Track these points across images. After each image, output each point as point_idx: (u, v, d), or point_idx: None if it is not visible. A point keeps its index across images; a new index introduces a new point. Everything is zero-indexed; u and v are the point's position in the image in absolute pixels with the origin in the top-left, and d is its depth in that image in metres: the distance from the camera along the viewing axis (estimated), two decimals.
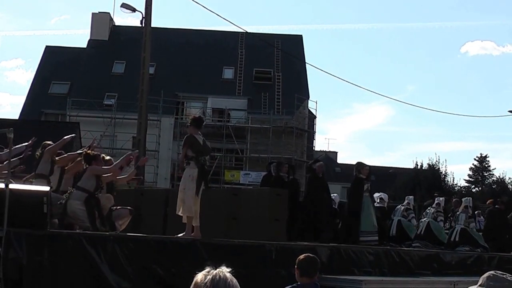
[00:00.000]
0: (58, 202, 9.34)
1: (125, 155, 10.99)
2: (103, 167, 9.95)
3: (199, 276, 2.58)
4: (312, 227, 12.92)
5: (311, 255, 6.23)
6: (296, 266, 6.06)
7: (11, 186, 7.77)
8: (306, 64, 41.88)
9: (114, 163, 10.48)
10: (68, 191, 9.60)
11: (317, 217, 12.99)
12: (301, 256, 6.13)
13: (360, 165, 13.80)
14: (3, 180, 8.09)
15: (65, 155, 10.55)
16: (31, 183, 9.40)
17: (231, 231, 10.77)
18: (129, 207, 10.46)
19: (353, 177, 13.80)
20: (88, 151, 10.10)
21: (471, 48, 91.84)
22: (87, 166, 9.76)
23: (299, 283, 6.01)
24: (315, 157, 39.86)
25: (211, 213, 11.00)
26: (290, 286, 6.02)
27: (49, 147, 10.10)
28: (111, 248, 8.23)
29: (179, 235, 9.49)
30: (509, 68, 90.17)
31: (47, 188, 8.53)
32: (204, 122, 10.36)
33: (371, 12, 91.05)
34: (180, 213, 9.67)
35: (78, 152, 10.68)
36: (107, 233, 8.98)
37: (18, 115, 43.29)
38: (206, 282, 2.52)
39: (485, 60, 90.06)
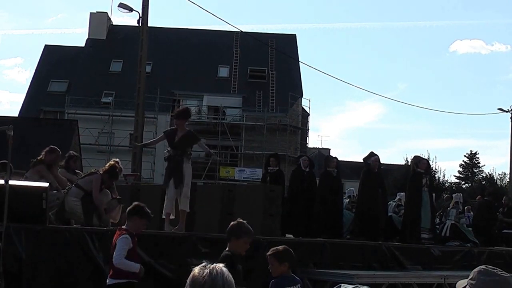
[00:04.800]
0: (56, 198, 9.49)
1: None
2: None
3: (196, 271, 2.57)
4: (371, 222, 12.50)
5: (286, 246, 6.02)
6: (283, 260, 5.82)
7: (11, 182, 7.89)
8: (300, 62, 42.17)
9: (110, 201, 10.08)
10: (67, 187, 9.75)
11: (373, 213, 12.54)
12: (285, 249, 5.90)
13: (417, 159, 13.31)
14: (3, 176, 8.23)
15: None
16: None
17: (226, 226, 10.90)
18: (117, 197, 10.25)
19: (411, 172, 13.39)
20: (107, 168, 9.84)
21: (460, 47, 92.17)
22: (100, 173, 9.67)
23: (285, 274, 5.84)
24: (308, 154, 40.07)
25: (206, 208, 11.18)
26: (276, 280, 5.81)
27: (40, 170, 9.80)
28: (109, 243, 8.36)
29: (173, 229, 9.62)
30: (497, 66, 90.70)
31: (46, 184, 8.64)
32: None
33: (363, 11, 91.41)
34: (185, 209, 9.81)
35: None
36: (105, 228, 9.14)
37: (18, 113, 43.43)
38: (205, 276, 2.52)
39: (474, 59, 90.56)
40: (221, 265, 2.60)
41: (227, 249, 5.89)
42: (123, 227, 6.88)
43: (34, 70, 47.83)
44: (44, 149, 10.13)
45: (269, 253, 5.97)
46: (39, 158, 9.93)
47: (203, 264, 2.60)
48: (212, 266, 2.57)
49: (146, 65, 22.15)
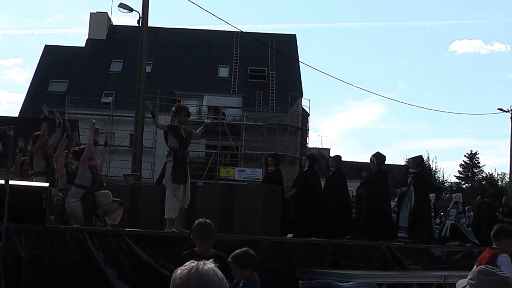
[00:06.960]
0: (55, 199, 9.50)
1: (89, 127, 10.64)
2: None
3: (179, 270, 2.47)
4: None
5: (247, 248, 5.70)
6: (252, 264, 5.52)
7: (11, 182, 7.89)
8: (300, 62, 42.15)
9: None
10: (65, 188, 9.76)
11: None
12: (251, 252, 5.58)
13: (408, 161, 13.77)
14: (4, 175, 8.24)
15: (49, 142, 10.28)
16: (31, 180, 9.53)
17: (226, 226, 10.92)
18: (118, 199, 10.36)
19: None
20: (76, 148, 10.19)
21: (460, 47, 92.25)
22: (77, 162, 9.87)
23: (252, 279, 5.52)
24: (308, 153, 40.03)
25: (207, 208, 11.20)
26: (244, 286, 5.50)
27: (36, 146, 10.01)
28: (109, 243, 8.36)
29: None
30: (497, 66, 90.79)
31: (46, 184, 8.64)
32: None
33: (363, 11, 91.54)
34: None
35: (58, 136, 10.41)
36: (105, 228, 9.15)
37: (18, 113, 43.44)
38: (182, 276, 2.42)
39: (473, 58, 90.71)
40: (208, 264, 2.47)
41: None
42: (494, 246, 6.87)
43: (34, 70, 47.84)
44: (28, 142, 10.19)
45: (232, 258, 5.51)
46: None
47: (190, 263, 2.48)
48: (194, 264, 2.45)
49: (146, 65, 22.19)
